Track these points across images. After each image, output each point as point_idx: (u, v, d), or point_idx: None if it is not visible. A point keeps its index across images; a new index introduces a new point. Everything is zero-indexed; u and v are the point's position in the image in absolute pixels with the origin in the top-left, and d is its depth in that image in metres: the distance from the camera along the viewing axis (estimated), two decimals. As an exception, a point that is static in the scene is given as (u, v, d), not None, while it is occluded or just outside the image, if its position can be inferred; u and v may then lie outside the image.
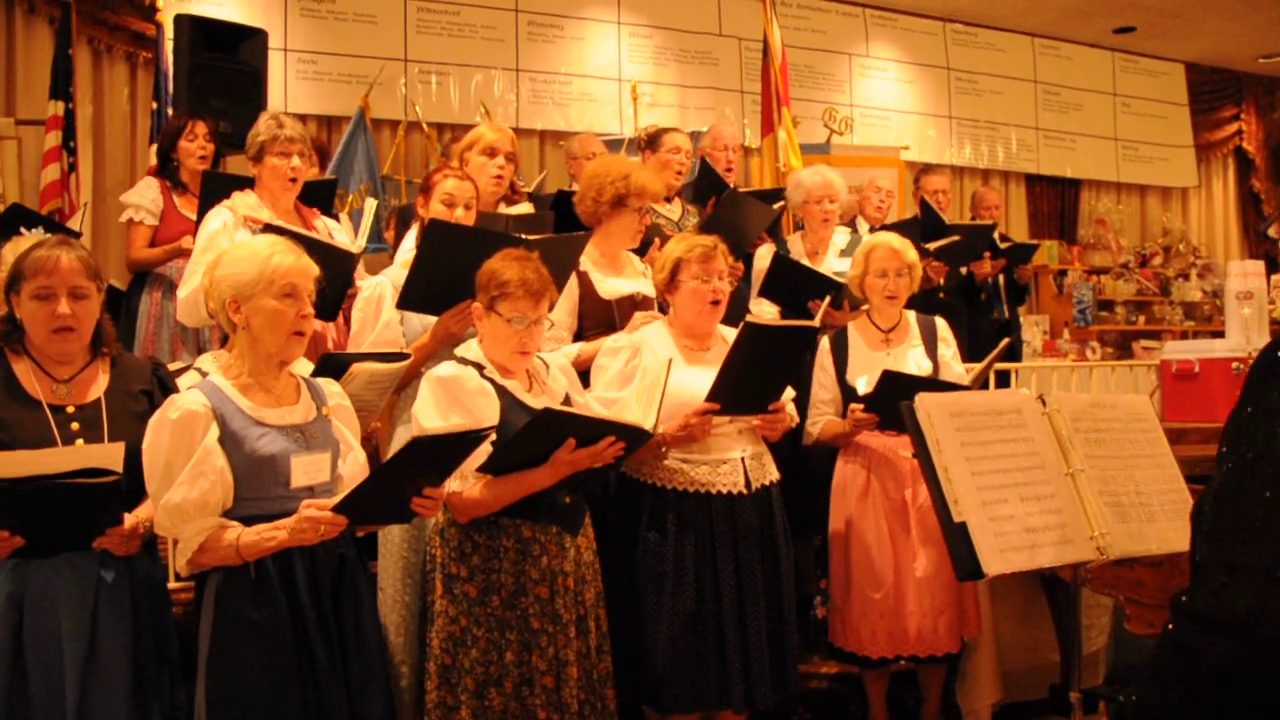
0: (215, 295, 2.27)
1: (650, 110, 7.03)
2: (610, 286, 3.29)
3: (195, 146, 4.26)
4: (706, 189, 4.42)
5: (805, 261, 4.16)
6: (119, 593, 2.25)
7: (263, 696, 2.12)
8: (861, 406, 3.19)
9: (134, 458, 2.19)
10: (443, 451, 2.25)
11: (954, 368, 3.40)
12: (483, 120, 6.07)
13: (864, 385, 3.23)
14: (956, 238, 4.65)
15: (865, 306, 3.95)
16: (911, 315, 3.47)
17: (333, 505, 2.12)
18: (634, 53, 7.23)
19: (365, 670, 2.28)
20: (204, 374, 2.42)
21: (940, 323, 3.50)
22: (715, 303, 2.95)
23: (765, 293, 4.03)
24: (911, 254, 3.40)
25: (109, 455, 2.16)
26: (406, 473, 2.19)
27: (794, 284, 3.93)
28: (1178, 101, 9.50)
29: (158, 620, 2.34)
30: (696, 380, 2.85)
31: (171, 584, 2.59)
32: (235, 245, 2.44)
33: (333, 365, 2.67)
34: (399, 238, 3.82)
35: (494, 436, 2.40)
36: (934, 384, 3.20)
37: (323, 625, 2.21)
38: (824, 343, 3.45)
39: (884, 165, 6.58)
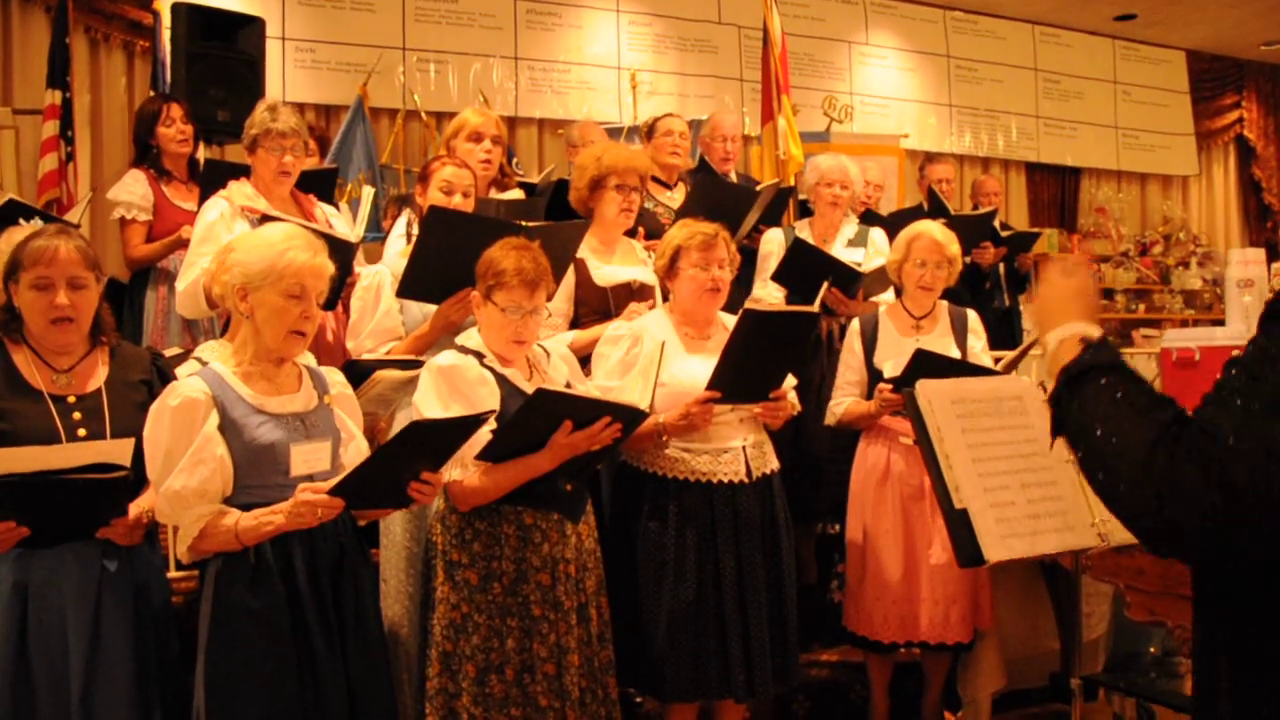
0: (223, 280, 2.26)
1: (649, 99, 7.02)
2: (606, 273, 3.29)
3: (174, 132, 4.17)
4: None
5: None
6: (122, 582, 2.26)
7: (260, 683, 2.12)
8: (889, 387, 3.18)
9: (136, 448, 2.19)
10: (441, 436, 2.24)
11: (983, 360, 3.40)
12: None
13: (890, 369, 3.23)
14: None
15: (876, 298, 3.94)
16: (944, 305, 3.47)
17: (329, 488, 2.12)
18: (633, 41, 7.21)
19: (365, 659, 2.28)
20: (203, 363, 2.42)
21: (972, 315, 3.50)
22: (715, 291, 2.94)
23: (778, 277, 4.01)
24: (954, 247, 3.38)
25: (118, 450, 2.16)
26: (404, 457, 2.18)
27: (810, 269, 3.90)
28: (1178, 89, 9.47)
29: (159, 609, 2.35)
30: (697, 369, 2.85)
31: (172, 573, 2.59)
32: (254, 233, 2.41)
33: (356, 372, 2.67)
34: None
35: (493, 424, 2.40)
36: (963, 366, 3.19)
37: (321, 614, 2.20)
38: (854, 325, 3.46)
39: (884, 153, 6.57)
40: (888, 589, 3.22)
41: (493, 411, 2.38)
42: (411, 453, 2.19)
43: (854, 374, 3.39)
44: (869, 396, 3.31)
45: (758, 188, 4.32)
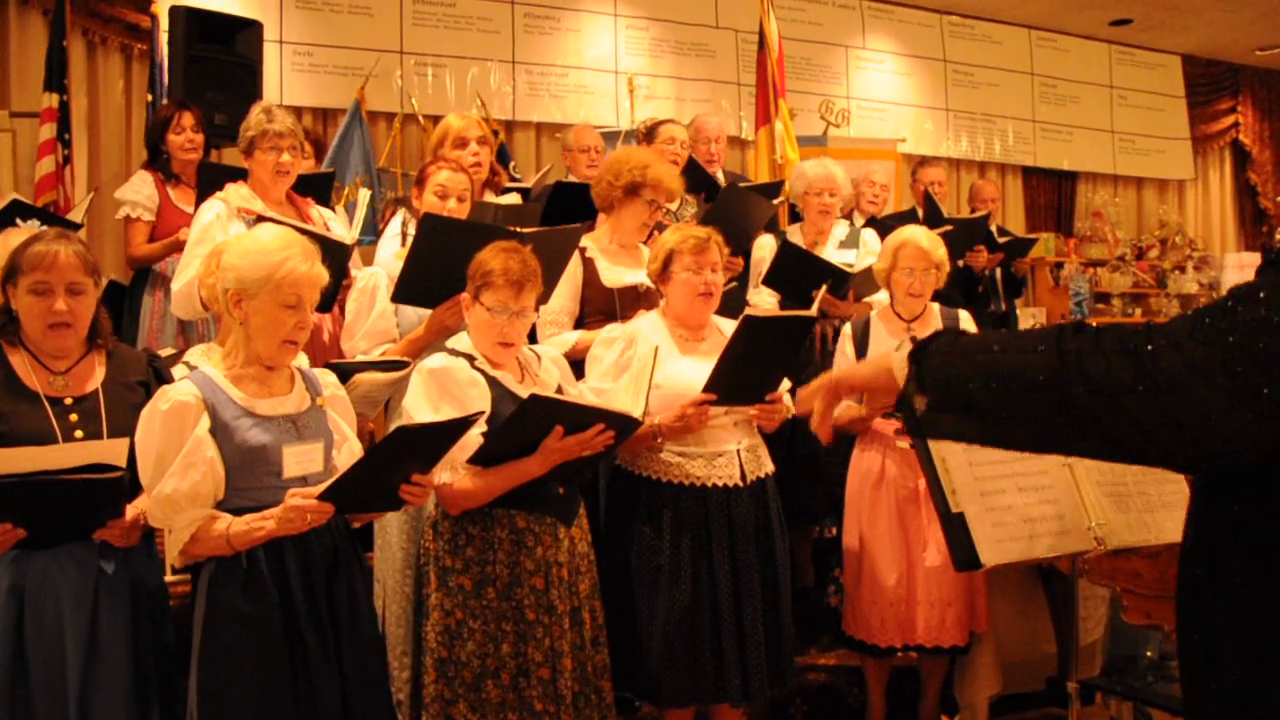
0: (209, 284, 2.26)
1: (647, 103, 7.03)
2: (615, 275, 3.29)
3: (183, 139, 4.22)
4: (694, 182, 4.44)
5: (805, 253, 4.15)
6: (118, 584, 2.26)
7: (253, 688, 2.12)
8: None
9: (131, 449, 2.19)
10: (430, 439, 2.23)
11: None
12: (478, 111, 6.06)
13: None
14: (949, 227, 4.65)
15: (869, 298, 3.95)
16: (935, 306, 3.47)
17: (318, 492, 2.12)
18: (630, 45, 7.21)
19: (360, 663, 2.27)
20: (191, 367, 2.42)
21: (964, 315, 3.50)
22: (707, 295, 2.94)
23: (769, 281, 4.02)
24: (940, 252, 3.39)
25: (113, 451, 2.17)
26: (393, 461, 2.17)
27: (800, 272, 3.92)
28: (1174, 94, 9.49)
29: (155, 611, 2.35)
30: (691, 371, 2.84)
31: (167, 576, 2.59)
32: (248, 236, 2.40)
33: (336, 374, 2.67)
34: (390, 228, 3.80)
35: (483, 426, 2.39)
36: None
37: (315, 617, 2.20)
38: (846, 329, 3.46)
39: (881, 157, 6.57)
40: (884, 593, 3.22)
41: (481, 413, 2.37)
42: (401, 456, 2.18)
43: None
44: (862, 400, 3.31)
45: (776, 201, 4.37)
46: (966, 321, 3.48)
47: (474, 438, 2.41)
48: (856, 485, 3.34)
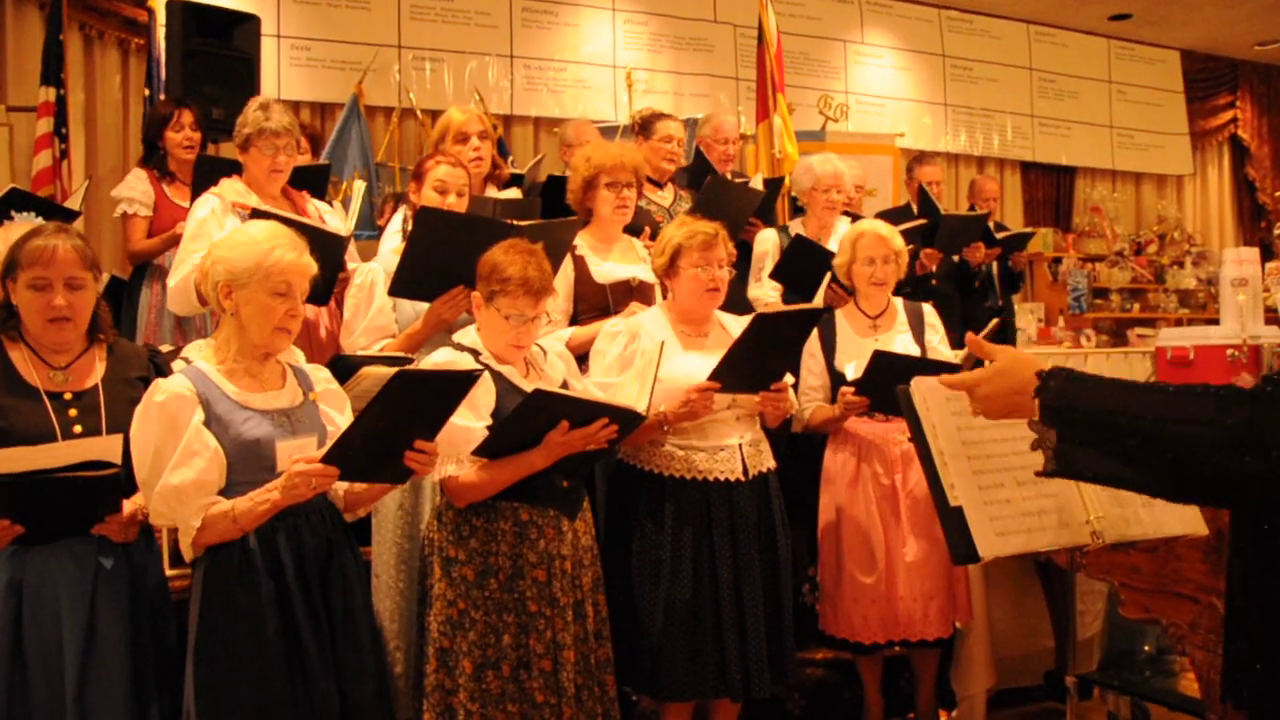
0: (209, 277, 2.26)
1: (645, 97, 7.02)
2: (605, 270, 3.30)
3: (182, 137, 4.21)
4: (701, 177, 4.41)
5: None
6: (117, 579, 2.26)
7: (249, 680, 2.12)
8: (852, 390, 3.19)
9: (126, 444, 2.19)
10: (431, 393, 2.19)
11: (942, 352, 3.41)
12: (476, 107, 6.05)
13: (852, 371, 3.24)
14: (923, 221, 4.64)
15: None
16: (899, 302, 3.48)
17: (321, 456, 2.11)
18: (629, 39, 7.21)
19: (355, 654, 2.27)
20: (189, 362, 2.42)
21: (928, 309, 3.51)
22: (715, 290, 2.94)
23: (778, 275, 4.02)
24: (898, 241, 3.42)
25: (108, 447, 2.17)
26: (394, 416, 2.12)
27: (810, 266, 3.92)
28: (1173, 89, 9.50)
29: (155, 605, 2.35)
30: (694, 366, 2.84)
31: (167, 571, 2.59)
32: (237, 230, 2.42)
33: (343, 367, 2.67)
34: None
35: (488, 419, 2.39)
36: (923, 364, 3.20)
37: (310, 609, 2.20)
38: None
39: (879, 152, 6.57)
40: (865, 590, 3.21)
41: (482, 370, 2.36)
42: (402, 412, 2.14)
43: (816, 379, 3.38)
44: (833, 400, 3.31)
45: (763, 183, 4.35)
46: (931, 316, 3.49)
47: (479, 431, 2.42)
48: (830, 485, 3.33)
